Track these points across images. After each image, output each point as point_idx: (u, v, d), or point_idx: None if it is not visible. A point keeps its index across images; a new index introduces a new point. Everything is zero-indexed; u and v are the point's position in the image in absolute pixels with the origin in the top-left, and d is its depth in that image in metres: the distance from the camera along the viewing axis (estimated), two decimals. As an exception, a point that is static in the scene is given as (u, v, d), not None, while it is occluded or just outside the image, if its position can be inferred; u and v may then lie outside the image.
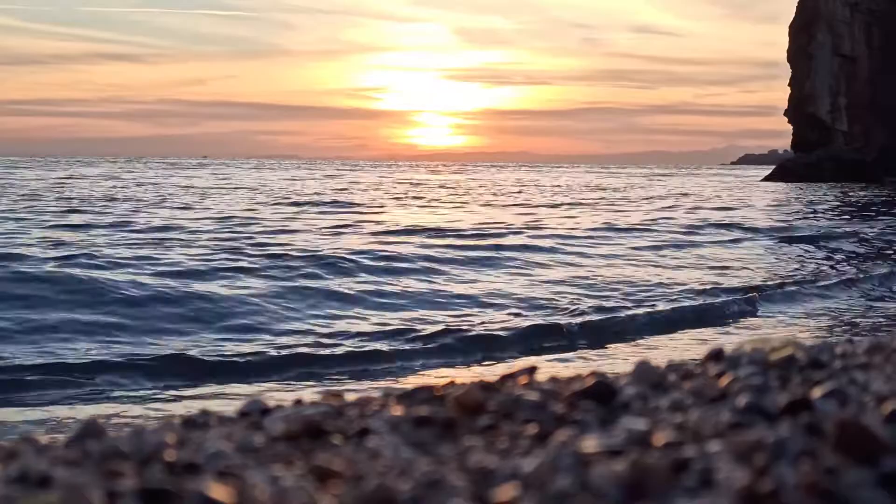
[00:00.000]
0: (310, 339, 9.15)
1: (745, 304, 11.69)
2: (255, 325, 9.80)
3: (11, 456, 1.08)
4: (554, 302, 11.55)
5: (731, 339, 9.18)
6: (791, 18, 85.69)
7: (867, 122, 76.10)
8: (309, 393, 5.10)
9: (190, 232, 18.52)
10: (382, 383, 7.55)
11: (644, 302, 11.64)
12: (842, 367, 1.46)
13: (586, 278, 13.70)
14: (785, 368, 1.44)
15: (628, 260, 16.25)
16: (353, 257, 14.26)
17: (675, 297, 12.17)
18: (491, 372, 7.74)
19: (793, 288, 13.14)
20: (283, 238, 17.74)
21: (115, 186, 40.83)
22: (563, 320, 10.27)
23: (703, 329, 10.33)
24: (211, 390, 7.31)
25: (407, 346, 8.94)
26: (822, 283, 13.55)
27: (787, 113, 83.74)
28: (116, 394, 7.16)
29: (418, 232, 19.48)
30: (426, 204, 32.76)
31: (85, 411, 6.54)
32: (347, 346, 8.91)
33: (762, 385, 1.32)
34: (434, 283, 12.96)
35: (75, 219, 21.22)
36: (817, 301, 12.44)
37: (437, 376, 7.84)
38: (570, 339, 9.57)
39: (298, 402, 1.37)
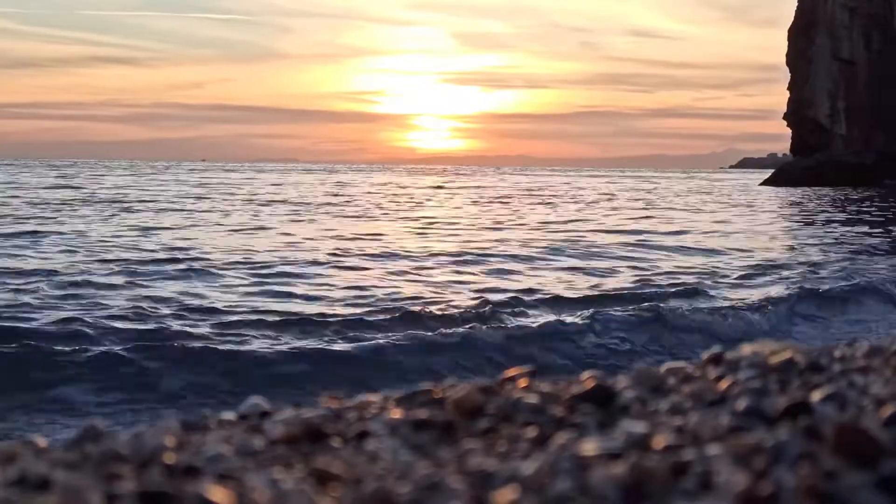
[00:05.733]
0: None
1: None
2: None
3: (10, 458, 1.08)
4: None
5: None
6: (790, 22, 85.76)
7: (866, 126, 76.10)
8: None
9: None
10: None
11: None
12: (841, 371, 1.46)
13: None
14: (784, 372, 1.44)
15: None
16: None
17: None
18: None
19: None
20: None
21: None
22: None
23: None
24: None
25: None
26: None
27: (786, 116, 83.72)
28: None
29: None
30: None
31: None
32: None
33: (761, 388, 1.32)
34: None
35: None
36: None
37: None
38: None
39: (297, 404, 1.37)
